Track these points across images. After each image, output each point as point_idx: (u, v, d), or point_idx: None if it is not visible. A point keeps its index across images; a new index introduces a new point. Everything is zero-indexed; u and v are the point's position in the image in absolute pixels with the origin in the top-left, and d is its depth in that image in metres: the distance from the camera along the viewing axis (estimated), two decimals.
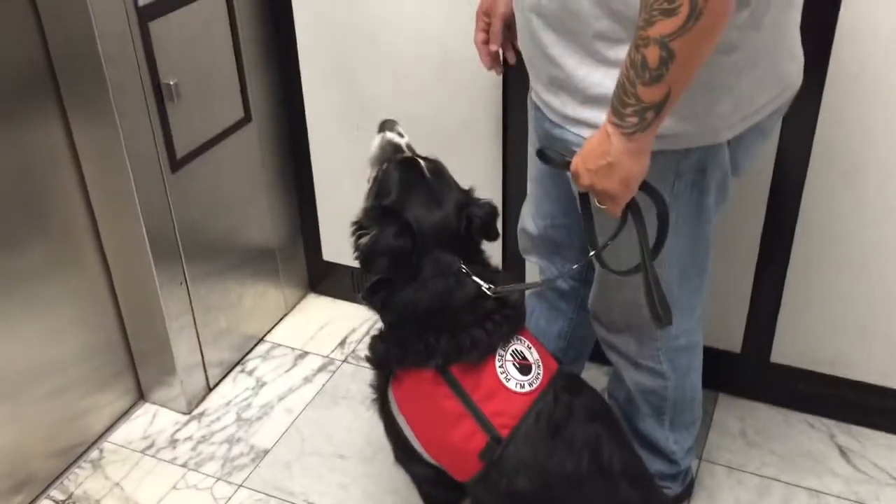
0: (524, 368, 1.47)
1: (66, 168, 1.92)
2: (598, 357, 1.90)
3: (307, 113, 2.31)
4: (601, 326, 1.70)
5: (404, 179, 1.51)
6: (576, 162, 1.29)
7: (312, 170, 2.41)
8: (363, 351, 2.25)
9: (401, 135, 1.63)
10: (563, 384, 1.50)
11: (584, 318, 1.78)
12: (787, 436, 2.11)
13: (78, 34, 1.73)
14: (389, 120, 1.66)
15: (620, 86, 1.18)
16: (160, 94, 1.90)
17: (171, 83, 1.90)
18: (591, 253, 1.42)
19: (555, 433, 1.45)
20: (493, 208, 1.55)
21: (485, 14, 1.66)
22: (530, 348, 1.50)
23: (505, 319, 1.47)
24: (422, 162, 1.54)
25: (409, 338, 1.48)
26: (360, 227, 1.48)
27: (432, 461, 1.55)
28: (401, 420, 1.54)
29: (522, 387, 1.45)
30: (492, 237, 1.56)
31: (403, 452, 1.61)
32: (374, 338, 1.57)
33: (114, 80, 1.78)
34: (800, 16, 1.41)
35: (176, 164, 2.00)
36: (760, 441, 2.10)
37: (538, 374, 1.47)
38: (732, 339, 2.15)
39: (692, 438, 1.83)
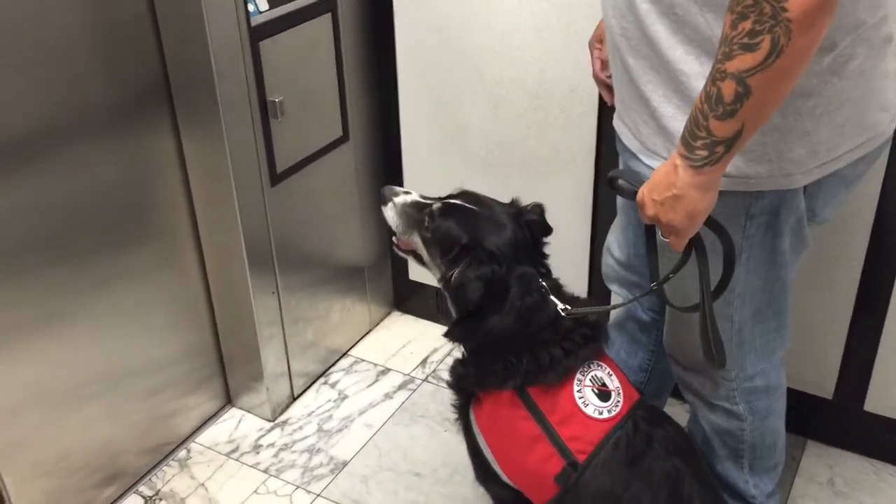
0: (603, 395, 1.46)
1: (174, 177, 2.02)
2: (682, 395, 1.87)
3: (402, 135, 2.37)
4: (676, 364, 1.68)
5: (458, 220, 1.52)
6: (642, 192, 1.29)
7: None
8: (444, 371, 2.28)
9: (408, 192, 1.64)
10: (644, 415, 1.49)
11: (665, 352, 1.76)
12: (878, 488, 2.03)
13: (194, 52, 1.83)
14: (387, 187, 1.65)
15: (693, 118, 1.17)
16: (265, 110, 1.98)
17: (277, 100, 1.98)
18: (652, 285, 1.42)
19: (632, 463, 1.43)
20: (540, 206, 1.60)
21: (598, 41, 1.68)
22: (611, 375, 1.50)
23: (583, 339, 1.47)
24: (458, 200, 1.56)
25: (490, 359, 1.49)
26: (446, 280, 1.51)
27: (511, 483, 1.55)
28: (481, 441, 1.55)
29: (601, 413, 1.45)
30: (548, 232, 1.61)
31: (483, 473, 1.62)
32: (455, 361, 1.59)
33: (224, 95, 1.87)
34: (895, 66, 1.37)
35: (276, 178, 2.08)
36: (848, 491, 2.02)
37: (618, 401, 1.47)
38: (825, 385, 2.09)
39: (773, 483, 1.77)
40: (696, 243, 1.30)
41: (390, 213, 1.62)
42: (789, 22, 1.04)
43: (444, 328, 1.59)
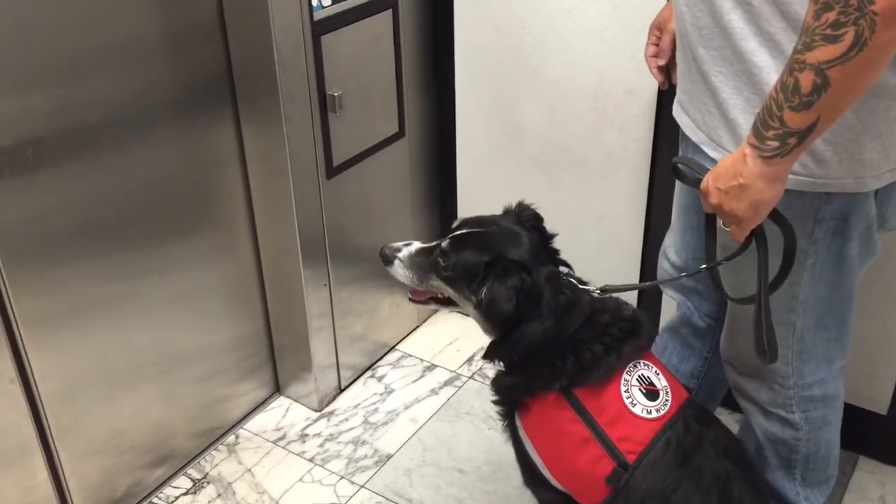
0: (651, 394, 1.45)
1: (233, 167, 2.06)
2: (731, 403, 1.85)
3: (458, 134, 2.38)
4: (732, 369, 1.66)
5: (473, 247, 1.49)
6: (707, 180, 1.28)
7: (457, 189, 2.47)
8: (489, 369, 2.28)
9: (408, 244, 1.60)
10: (694, 414, 1.47)
11: (719, 358, 1.74)
12: None
13: (258, 45, 1.86)
14: (385, 247, 1.60)
15: (766, 107, 1.16)
16: (324, 104, 2.01)
17: (336, 94, 2.00)
18: (702, 266, 1.42)
19: (682, 463, 1.42)
20: (521, 202, 1.58)
21: (657, 28, 1.67)
22: (658, 374, 1.48)
23: (622, 333, 1.46)
24: (462, 230, 1.53)
25: (534, 366, 1.48)
26: (478, 304, 1.48)
27: (560, 487, 1.54)
28: (529, 446, 1.54)
29: (649, 412, 1.44)
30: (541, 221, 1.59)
31: (532, 478, 1.60)
32: (498, 373, 1.57)
33: (285, 88, 1.90)
34: None
35: (332, 171, 2.10)
36: None
37: (666, 400, 1.46)
38: (880, 399, 2.05)
39: (824, 497, 1.74)
40: (756, 235, 1.29)
41: (400, 270, 1.58)
42: (875, 15, 1.02)
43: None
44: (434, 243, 1.56)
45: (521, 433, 1.54)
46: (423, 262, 1.56)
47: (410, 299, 1.65)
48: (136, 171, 1.83)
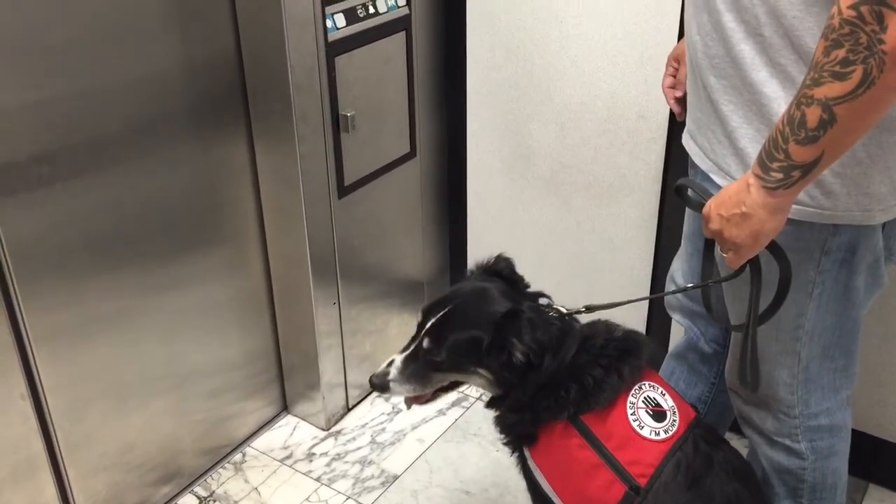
0: (658, 415, 1.45)
1: (246, 184, 2.07)
2: (739, 429, 1.84)
3: (469, 155, 2.39)
4: (737, 398, 1.65)
5: (455, 330, 1.46)
6: (710, 205, 1.29)
7: (467, 209, 2.48)
8: None
9: (390, 361, 1.53)
10: (703, 434, 1.47)
11: (726, 385, 1.73)
12: None
13: (273, 64, 1.88)
14: (374, 376, 1.53)
15: (772, 139, 1.17)
16: (337, 124, 2.02)
17: (349, 115, 2.02)
18: (689, 286, 1.44)
19: (692, 486, 1.41)
20: (506, 260, 1.57)
21: (675, 60, 1.68)
22: (664, 395, 1.48)
23: (618, 352, 1.45)
24: (431, 319, 1.49)
25: (538, 400, 1.46)
26: (499, 373, 1.45)
27: None
28: (539, 475, 1.52)
29: (657, 434, 1.43)
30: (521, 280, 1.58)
31: None
32: (501, 414, 1.54)
33: (299, 108, 1.92)
34: None
35: (343, 191, 2.12)
36: None
37: (674, 420, 1.45)
38: (890, 426, 2.03)
39: None
40: (752, 264, 1.31)
41: (399, 388, 1.52)
42: (884, 55, 1.03)
43: None
44: (412, 347, 1.51)
45: (531, 464, 1.53)
46: (417, 368, 1.50)
47: (413, 405, 1.59)
48: (148, 187, 1.84)
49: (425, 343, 1.48)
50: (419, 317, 1.52)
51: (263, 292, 2.23)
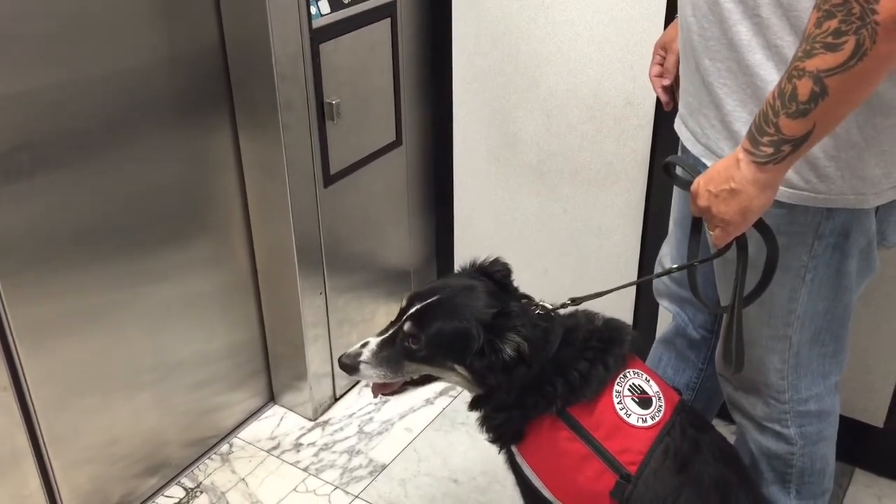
0: (644, 402, 1.44)
1: (230, 174, 2.06)
2: (728, 415, 1.85)
3: (455, 143, 2.38)
4: (727, 384, 1.65)
5: (440, 319, 1.43)
6: (698, 182, 1.28)
7: (454, 198, 2.47)
8: None
9: (365, 343, 1.49)
10: (689, 418, 1.47)
11: (714, 370, 1.73)
12: None
13: (256, 52, 1.86)
14: (344, 356, 1.50)
15: (763, 113, 1.16)
16: (322, 112, 2.00)
17: (334, 103, 2.00)
18: (673, 267, 1.46)
19: (681, 469, 1.41)
20: (502, 263, 1.54)
21: (662, 48, 1.67)
22: (648, 381, 1.48)
23: (602, 343, 1.45)
24: (416, 306, 1.45)
25: (524, 396, 1.45)
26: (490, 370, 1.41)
27: None
28: (528, 471, 1.52)
29: (645, 421, 1.43)
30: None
31: (534, 501, 1.57)
32: (486, 415, 1.51)
33: (283, 96, 1.90)
34: None
35: (329, 179, 2.10)
36: None
37: (660, 406, 1.45)
38: (877, 412, 2.04)
39: None
40: (739, 243, 1.30)
41: (369, 371, 1.47)
42: (877, 25, 1.02)
43: None
44: (391, 331, 1.47)
45: (520, 460, 1.52)
46: (391, 354, 1.46)
47: (380, 394, 1.55)
48: (132, 178, 1.82)
49: (406, 327, 1.44)
50: (403, 302, 1.49)
51: (249, 283, 2.21)
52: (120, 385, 1.94)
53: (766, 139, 1.16)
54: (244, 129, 2.01)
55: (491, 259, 1.54)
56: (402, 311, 1.47)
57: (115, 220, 1.81)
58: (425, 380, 1.51)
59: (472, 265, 1.54)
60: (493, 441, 1.56)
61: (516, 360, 1.39)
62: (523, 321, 1.41)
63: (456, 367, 1.44)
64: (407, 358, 1.46)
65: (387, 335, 1.47)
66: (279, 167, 1.98)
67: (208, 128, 1.97)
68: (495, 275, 1.51)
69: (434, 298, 1.45)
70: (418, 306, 1.45)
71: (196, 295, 2.07)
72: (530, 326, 1.41)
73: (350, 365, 1.48)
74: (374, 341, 1.48)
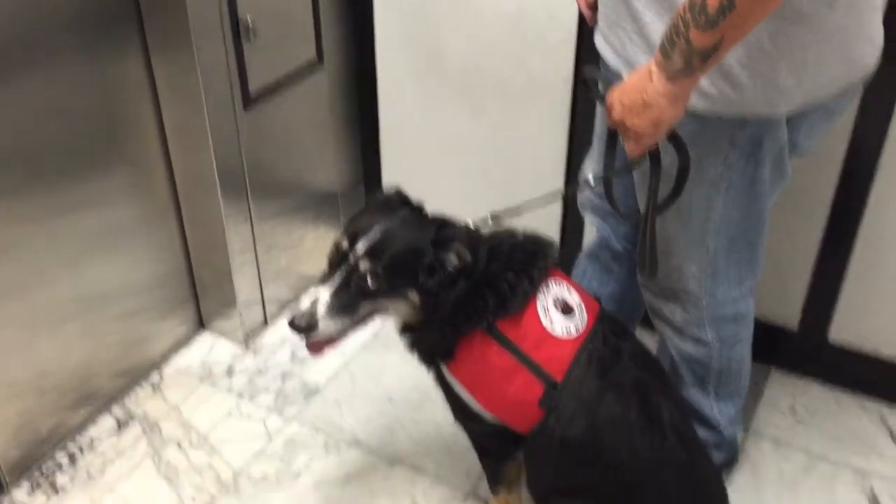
0: (567, 312, 1.48)
1: (144, 100, 1.98)
2: (650, 324, 1.91)
3: (378, 60, 2.33)
4: (648, 292, 1.70)
5: (395, 249, 1.40)
6: (612, 94, 1.30)
7: (379, 117, 2.43)
8: None
9: (314, 298, 1.40)
10: (610, 326, 1.51)
11: (637, 281, 1.78)
12: (838, 416, 2.09)
13: None
14: (296, 317, 1.41)
15: (674, 26, 1.18)
16: (238, 31, 1.93)
17: (249, 20, 1.93)
18: (589, 178, 1.51)
19: (604, 374, 1.46)
20: (394, 192, 1.52)
21: None
22: (570, 291, 1.51)
23: (527, 255, 1.47)
24: (362, 242, 1.40)
25: (457, 312, 1.45)
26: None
27: (493, 419, 1.55)
28: (458, 388, 1.54)
29: (569, 330, 1.46)
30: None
31: (463, 414, 1.60)
32: (418, 338, 1.52)
33: (194, 14, 1.82)
34: (882, 1, 1.36)
35: (248, 102, 2.04)
36: (809, 419, 2.09)
37: (582, 315, 1.49)
38: (790, 315, 2.13)
39: (737, 409, 1.82)
40: (651, 154, 1.33)
41: (329, 324, 1.39)
42: None
43: None
44: (340, 275, 1.39)
45: (450, 377, 1.54)
46: (347, 299, 1.39)
47: (324, 350, 1.47)
48: (41, 106, 1.74)
49: (363, 266, 1.38)
50: (343, 242, 1.42)
51: (171, 211, 2.16)
52: (43, 319, 1.90)
53: (676, 52, 1.18)
54: (156, 53, 1.93)
55: (395, 189, 1.52)
56: (344, 251, 1.41)
57: (26, 150, 1.74)
58: (365, 320, 1.47)
59: (383, 197, 1.51)
60: (423, 361, 1.58)
61: (456, 273, 1.41)
62: (459, 233, 1.43)
63: (410, 292, 1.42)
64: (363, 298, 1.40)
65: (337, 281, 1.40)
66: (195, 91, 1.92)
67: (118, 51, 1.88)
68: (410, 202, 1.50)
69: (377, 231, 1.40)
70: (366, 242, 1.40)
71: (116, 225, 2.01)
72: (466, 238, 1.43)
73: (307, 325, 1.39)
74: (324, 293, 1.39)
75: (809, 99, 1.34)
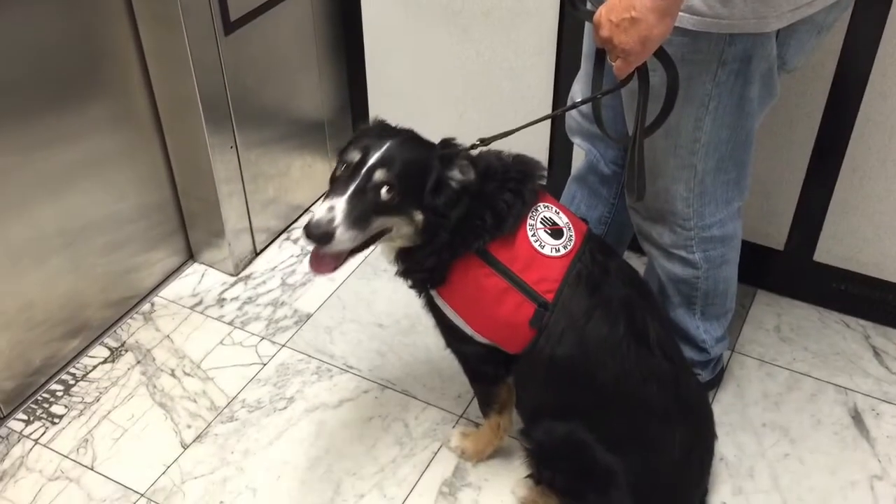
0: (556, 233, 1.48)
1: (122, 25, 1.94)
2: (638, 247, 1.92)
3: None
4: (636, 215, 1.70)
5: (403, 158, 1.39)
6: (600, 12, 1.28)
7: (364, 42, 2.39)
8: None
9: (330, 206, 1.35)
10: (597, 246, 1.53)
11: (625, 204, 1.78)
12: (822, 334, 2.12)
13: None
14: (312, 224, 1.34)
15: None
16: None
17: None
18: (577, 101, 1.49)
19: (593, 292, 1.47)
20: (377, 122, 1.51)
21: None
22: (558, 213, 1.52)
23: (519, 175, 1.47)
24: (376, 155, 1.39)
25: (455, 234, 1.45)
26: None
27: (485, 341, 1.56)
28: (449, 312, 1.55)
29: (557, 250, 1.47)
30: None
31: (455, 338, 1.62)
32: (415, 262, 1.50)
33: None
34: None
35: (230, 27, 2.00)
36: (794, 337, 2.12)
37: (570, 236, 1.50)
38: (777, 236, 2.14)
39: (723, 329, 1.85)
40: (640, 74, 1.31)
41: (346, 234, 1.34)
42: None
43: None
44: (354, 185, 1.35)
45: (440, 302, 1.55)
46: (362, 211, 1.35)
47: (320, 271, 1.41)
48: (15, 35, 1.70)
49: (378, 175, 1.35)
50: (356, 156, 1.38)
51: (156, 141, 2.13)
52: (28, 252, 1.89)
53: None
54: None
55: (375, 122, 1.51)
56: (357, 162, 1.38)
57: (1, 82, 1.71)
58: (372, 241, 1.44)
59: (377, 123, 1.50)
60: (415, 288, 1.58)
61: (461, 191, 1.41)
62: (462, 152, 1.44)
63: (417, 211, 1.40)
64: (376, 212, 1.37)
65: (352, 190, 1.35)
66: (174, 16, 1.87)
67: None
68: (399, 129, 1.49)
69: (390, 146, 1.39)
70: (380, 154, 1.37)
71: (99, 156, 1.99)
72: (467, 157, 1.44)
73: (323, 233, 1.32)
74: (340, 201, 1.34)
75: (799, 14, 1.32)
